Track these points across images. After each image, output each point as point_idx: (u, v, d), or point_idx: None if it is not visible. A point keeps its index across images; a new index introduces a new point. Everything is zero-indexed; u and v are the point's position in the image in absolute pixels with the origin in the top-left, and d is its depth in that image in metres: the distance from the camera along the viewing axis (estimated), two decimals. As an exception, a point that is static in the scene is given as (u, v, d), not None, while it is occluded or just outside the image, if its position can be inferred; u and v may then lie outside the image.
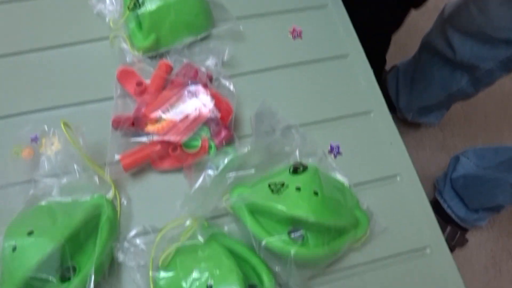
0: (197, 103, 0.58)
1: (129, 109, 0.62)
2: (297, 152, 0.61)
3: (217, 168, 0.54)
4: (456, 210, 1.31)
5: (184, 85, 0.60)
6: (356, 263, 0.57)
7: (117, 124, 0.58)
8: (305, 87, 0.68)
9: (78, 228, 0.50)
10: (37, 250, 0.46)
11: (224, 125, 0.60)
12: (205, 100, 0.59)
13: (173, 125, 0.57)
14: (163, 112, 0.58)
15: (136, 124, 0.57)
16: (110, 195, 0.57)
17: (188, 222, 0.51)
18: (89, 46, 0.67)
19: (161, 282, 0.49)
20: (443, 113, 1.42)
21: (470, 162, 1.29)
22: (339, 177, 0.61)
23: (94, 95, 0.64)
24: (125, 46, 0.64)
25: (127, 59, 0.64)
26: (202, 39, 0.68)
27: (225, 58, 0.65)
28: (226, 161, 0.54)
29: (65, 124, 0.53)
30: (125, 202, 0.57)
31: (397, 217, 0.60)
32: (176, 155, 0.57)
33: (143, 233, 0.55)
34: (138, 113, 0.58)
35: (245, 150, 0.56)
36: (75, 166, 0.56)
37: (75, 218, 0.51)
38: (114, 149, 0.58)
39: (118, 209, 0.56)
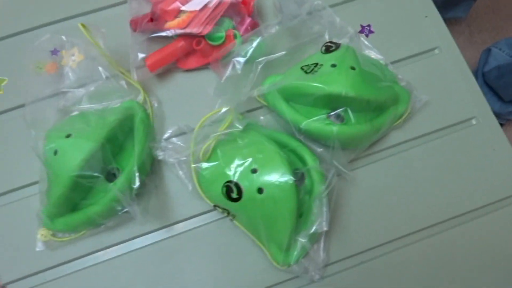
0: (215, -7, 0.54)
1: (145, 10, 0.58)
2: (326, 35, 0.57)
3: (245, 54, 0.51)
4: (491, 104, 1.26)
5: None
6: (399, 141, 0.55)
7: (135, 24, 0.55)
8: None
9: (114, 128, 0.49)
10: (78, 150, 0.46)
11: (247, 12, 0.56)
12: (223, -12, 0.55)
13: (194, 16, 0.53)
14: (182, 4, 0.54)
15: (155, 21, 0.54)
16: (140, 98, 0.55)
17: (224, 110, 0.49)
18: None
19: (204, 173, 0.49)
20: (470, 5, 1.33)
21: (502, 53, 1.23)
22: (374, 55, 0.57)
23: (106, 0, 0.60)
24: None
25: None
26: None
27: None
28: (254, 45, 0.51)
29: (84, 27, 0.50)
30: (155, 104, 0.56)
31: (439, 91, 0.57)
32: (201, 48, 0.54)
33: (179, 132, 0.54)
34: (156, 9, 0.55)
35: (272, 31, 0.52)
36: (102, 72, 0.54)
37: (109, 120, 0.50)
38: (137, 51, 0.55)
39: (150, 111, 0.55)
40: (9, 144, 0.55)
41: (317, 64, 0.51)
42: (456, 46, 0.59)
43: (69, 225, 0.48)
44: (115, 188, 0.46)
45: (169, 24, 0.54)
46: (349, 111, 0.50)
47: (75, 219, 0.48)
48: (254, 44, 0.51)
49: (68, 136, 0.47)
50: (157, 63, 0.54)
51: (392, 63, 0.57)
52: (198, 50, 0.55)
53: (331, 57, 0.51)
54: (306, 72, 0.51)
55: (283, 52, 0.52)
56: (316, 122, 0.49)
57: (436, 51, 0.59)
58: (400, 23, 0.60)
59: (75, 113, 0.54)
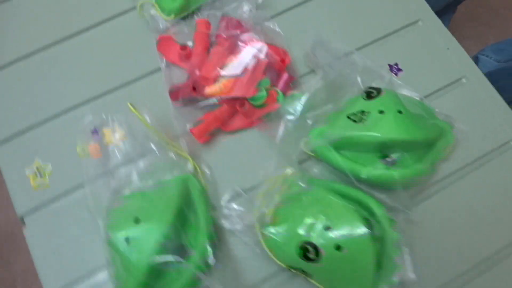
0: (252, 50, 0.55)
1: (179, 78, 0.59)
2: (358, 78, 0.59)
3: (295, 112, 0.52)
4: None
5: (231, 38, 0.57)
6: (449, 172, 0.56)
7: (175, 95, 0.56)
8: (345, 11, 0.65)
9: (179, 205, 0.48)
10: (151, 235, 0.45)
11: (282, 69, 0.57)
12: (259, 46, 0.56)
13: (235, 80, 0.54)
14: (221, 69, 0.55)
15: (196, 90, 0.55)
16: (189, 168, 0.55)
17: (289, 171, 0.49)
18: (118, 21, 0.63)
19: (273, 236, 0.49)
20: (450, 16, 1.39)
21: (490, 59, 1.28)
22: (408, 93, 0.59)
23: (139, 71, 0.60)
24: (155, 12, 0.60)
25: (160, 25, 0.60)
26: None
27: (260, 1, 0.62)
28: (302, 101, 0.52)
29: (132, 106, 0.51)
30: (207, 172, 0.55)
31: (475, 119, 0.59)
32: (245, 111, 0.55)
33: (236, 196, 0.54)
34: (194, 77, 0.55)
35: (317, 85, 0.53)
36: (148, 145, 0.54)
37: (171, 196, 0.49)
38: (183, 122, 0.55)
39: (203, 179, 0.55)
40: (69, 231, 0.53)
41: (363, 112, 0.52)
42: (481, 74, 0.61)
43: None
44: (193, 267, 0.46)
45: (211, 90, 0.55)
46: (402, 155, 0.52)
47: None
48: (303, 100, 0.52)
49: (136, 221, 0.46)
50: (203, 132, 0.55)
51: (425, 97, 0.59)
52: (241, 112, 0.55)
53: (376, 104, 0.52)
54: (355, 121, 0.52)
55: (329, 105, 0.53)
56: (376, 170, 0.50)
57: (464, 80, 0.61)
58: (425, 57, 0.62)
59: (129, 191, 0.53)
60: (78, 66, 0.61)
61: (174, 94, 0.56)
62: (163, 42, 0.60)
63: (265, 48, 0.56)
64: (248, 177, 0.55)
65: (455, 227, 0.54)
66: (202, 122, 0.55)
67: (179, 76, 0.59)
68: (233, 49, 0.57)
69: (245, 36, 0.56)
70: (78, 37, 0.62)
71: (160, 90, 0.59)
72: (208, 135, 0.56)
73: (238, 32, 0.58)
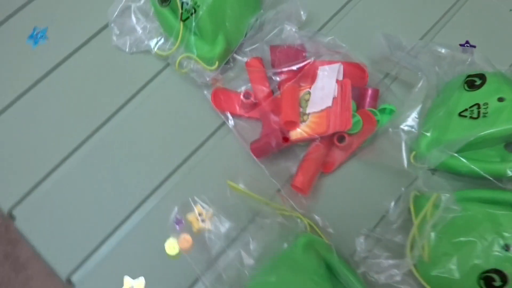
0: (332, 75, 0.48)
1: (249, 131, 0.51)
2: (436, 69, 0.52)
3: (396, 127, 0.45)
4: None
5: (297, 71, 0.49)
6: None
7: (260, 151, 0.48)
8: (393, 3, 0.59)
9: (324, 275, 0.40)
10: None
11: (364, 83, 0.50)
12: (335, 67, 0.48)
13: (326, 114, 0.47)
14: (304, 110, 0.48)
15: (288, 139, 0.47)
16: (302, 227, 0.47)
17: (445, 197, 0.42)
18: (156, 83, 0.54)
19: (445, 277, 0.42)
20: None
21: None
22: (495, 68, 0.53)
23: (201, 135, 0.52)
24: (196, 66, 0.52)
25: (207, 78, 0.52)
26: (263, 17, 0.55)
27: (303, 17, 0.54)
28: (414, 114, 0.45)
29: (231, 184, 0.42)
30: (319, 222, 0.47)
31: None
32: (345, 145, 0.47)
33: (371, 241, 0.46)
34: (277, 124, 0.47)
35: (415, 89, 0.47)
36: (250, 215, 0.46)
37: (310, 270, 0.41)
38: (278, 178, 0.47)
39: (324, 235, 0.47)
40: None
41: (478, 104, 0.46)
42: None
43: None
44: None
45: (298, 134, 0.47)
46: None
47: None
48: (414, 114, 0.45)
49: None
50: (307, 183, 0.47)
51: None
52: (340, 148, 0.48)
53: (488, 92, 0.46)
54: (473, 118, 0.46)
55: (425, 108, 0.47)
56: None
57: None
58: (491, 25, 0.57)
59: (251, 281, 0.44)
60: (131, 151, 0.51)
61: (257, 150, 0.48)
62: (218, 96, 0.51)
63: (341, 68, 0.48)
64: (370, 215, 0.48)
65: None
66: (302, 172, 0.47)
67: (247, 128, 0.51)
68: (304, 80, 0.49)
69: (315, 61, 0.49)
70: (125, 109, 0.53)
71: (234, 150, 0.50)
72: (312, 184, 0.48)
73: (301, 59, 0.50)
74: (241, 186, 0.45)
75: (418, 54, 0.52)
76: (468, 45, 0.56)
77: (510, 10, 0.58)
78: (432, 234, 0.42)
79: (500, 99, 0.45)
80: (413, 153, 0.48)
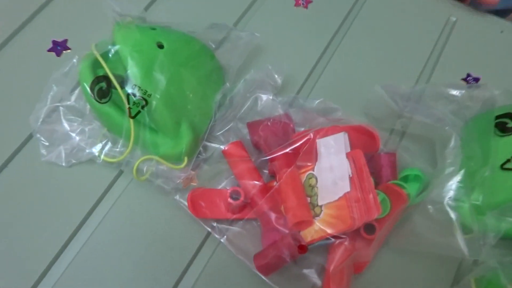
0: (340, 148, 0.37)
1: (250, 236, 0.39)
2: (449, 116, 0.43)
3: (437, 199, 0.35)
4: None
5: (293, 149, 0.38)
6: None
7: (269, 268, 0.36)
8: (377, 49, 0.50)
9: None
10: None
11: (376, 149, 0.40)
12: (340, 137, 0.38)
13: (347, 203, 0.35)
14: (314, 200, 0.36)
15: (304, 248, 0.35)
16: None
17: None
18: (110, 201, 0.41)
19: None
20: None
21: None
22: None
23: (183, 257, 0.39)
24: (158, 168, 0.40)
25: (176, 181, 0.40)
26: (231, 90, 0.45)
27: (279, 81, 0.44)
28: (453, 181, 0.35)
29: None
30: None
31: None
32: (377, 234, 0.36)
33: None
34: (282, 226, 0.36)
35: (449, 149, 0.37)
36: None
37: None
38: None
39: None
40: None
41: (518, 152, 0.37)
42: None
43: None
44: None
45: (314, 234, 0.36)
46: None
47: None
48: (455, 182, 0.35)
49: None
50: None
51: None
52: (372, 239, 0.37)
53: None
54: (517, 169, 0.37)
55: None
56: None
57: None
58: (489, 51, 0.50)
59: None
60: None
61: (266, 268, 0.36)
62: (196, 201, 0.39)
63: (347, 137, 0.38)
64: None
65: None
66: (332, 280, 0.35)
67: (243, 235, 0.39)
68: (306, 159, 0.38)
69: (313, 134, 0.38)
70: (70, 247, 0.39)
71: (231, 269, 0.38)
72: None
73: (290, 133, 0.40)
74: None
75: (423, 100, 0.43)
76: (471, 78, 0.48)
77: (501, 31, 0.51)
78: None
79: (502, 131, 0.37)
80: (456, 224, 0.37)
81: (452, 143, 0.36)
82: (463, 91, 0.42)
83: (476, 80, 0.48)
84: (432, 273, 0.38)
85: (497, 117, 0.40)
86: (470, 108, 0.42)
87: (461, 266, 0.39)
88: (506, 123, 0.39)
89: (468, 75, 0.48)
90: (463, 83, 0.47)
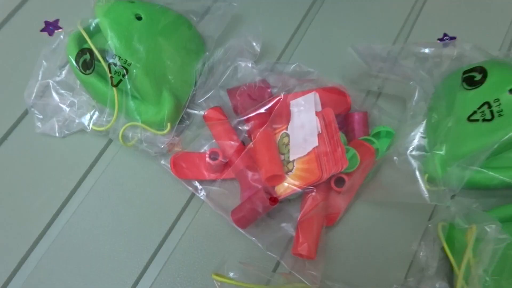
0: (310, 107, 0.39)
1: (230, 195, 0.41)
2: (421, 72, 0.45)
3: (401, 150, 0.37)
4: None
5: (267, 112, 0.41)
6: None
7: (245, 221, 0.38)
8: (351, 14, 0.51)
9: None
10: None
11: (347, 108, 0.42)
12: (310, 97, 0.40)
13: (315, 156, 0.37)
14: (287, 157, 0.38)
15: (276, 199, 0.37)
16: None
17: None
18: (102, 166, 0.44)
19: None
20: None
21: None
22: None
23: (169, 216, 0.42)
24: (143, 134, 0.42)
25: (160, 146, 0.42)
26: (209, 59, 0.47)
27: (257, 49, 0.46)
28: (415, 132, 0.37)
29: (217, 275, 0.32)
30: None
31: None
32: (348, 185, 0.38)
33: None
34: (258, 183, 0.38)
35: (412, 103, 0.38)
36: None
37: None
38: (277, 251, 0.37)
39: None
40: None
41: (487, 103, 0.38)
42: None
43: None
44: None
45: (285, 188, 0.38)
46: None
47: None
48: (419, 133, 0.37)
49: None
50: (313, 247, 0.37)
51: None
52: (341, 192, 0.39)
53: (494, 85, 0.39)
54: (486, 119, 0.38)
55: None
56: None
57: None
58: (466, 9, 0.51)
59: None
60: (91, 251, 0.40)
61: (242, 220, 0.38)
62: (179, 163, 0.42)
63: (317, 96, 0.40)
64: (396, 264, 0.38)
65: None
66: (302, 235, 0.37)
67: (223, 194, 0.41)
68: (277, 121, 0.40)
69: (283, 96, 0.40)
70: (66, 209, 0.42)
71: (213, 226, 0.40)
72: (317, 245, 0.38)
73: (266, 96, 0.42)
74: (230, 275, 0.35)
75: (398, 60, 0.45)
76: (447, 38, 0.49)
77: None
78: (487, 279, 0.33)
79: (511, 90, 0.38)
80: (426, 176, 0.39)
81: (416, 96, 0.38)
82: (434, 49, 0.44)
83: (452, 39, 0.49)
84: (404, 223, 0.40)
85: (465, 72, 0.41)
86: (440, 65, 0.43)
87: (433, 215, 0.40)
88: (474, 77, 0.40)
89: (445, 35, 0.49)
90: (439, 42, 0.48)
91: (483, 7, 0.51)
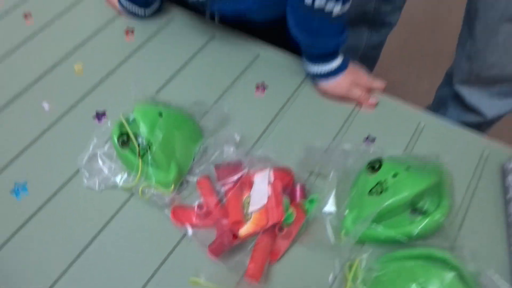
0: (264, 179, 0.60)
1: (206, 237, 0.60)
2: (349, 161, 0.66)
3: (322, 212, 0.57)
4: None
5: (237, 181, 0.62)
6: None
7: (217, 251, 0.57)
8: (301, 122, 0.74)
9: None
10: None
11: (291, 182, 0.62)
12: (266, 173, 0.61)
13: (265, 210, 0.58)
14: (247, 210, 0.59)
15: (236, 236, 0.57)
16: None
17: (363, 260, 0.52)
18: (124, 212, 0.64)
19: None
20: None
21: None
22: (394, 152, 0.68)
23: (166, 247, 0.61)
24: (155, 191, 0.63)
25: (166, 200, 0.63)
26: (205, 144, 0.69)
27: (237, 139, 0.68)
28: (327, 198, 0.57)
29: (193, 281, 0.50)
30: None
31: (451, 151, 0.69)
32: (284, 233, 0.58)
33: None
34: (227, 226, 0.58)
35: (329, 180, 0.59)
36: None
37: None
38: (236, 273, 0.56)
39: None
40: None
41: (380, 182, 0.59)
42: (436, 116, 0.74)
43: None
44: None
45: (246, 231, 0.57)
46: (425, 201, 0.59)
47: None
48: (330, 198, 0.57)
49: None
50: (258, 271, 0.56)
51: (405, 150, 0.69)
52: (281, 237, 0.58)
53: (385, 171, 0.59)
54: (378, 194, 0.58)
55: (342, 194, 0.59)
56: (419, 222, 0.56)
57: (422, 124, 0.72)
58: (385, 120, 0.73)
59: None
60: (109, 274, 0.59)
61: (215, 250, 0.57)
62: (176, 212, 0.62)
63: (271, 172, 0.61)
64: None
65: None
66: (252, 260, 0.56)
67: (205, 235, 0.61)
68: (244, 187, 0.61)
69: (250, 171, 0.61)
70: (91, 246, 0.61)
71: (196, 255, 0.59)
72: (263, 271, 0.56)
73: (240, 170, 0.63)
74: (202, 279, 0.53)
75: (331, 153, 0.66)
76: (368, 139, 0.71)
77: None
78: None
79: (395, 175, 0.58)
80: (343, 230, 0.59)
81: (331, 176, 0.59)
82: (355, 146, 0.65)
83: (373, 140, 0.70)
84: (324, 261, 0.58)
85: (369, 162, 0.62)
86: (359, 158, 0.65)
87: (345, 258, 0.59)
88: (375, 166, 0.61)
89: (367, 137, 0.71)
90: (362, 142, 0.70)
91: (397, 117, 0.73)
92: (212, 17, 0.85)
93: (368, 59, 1.37)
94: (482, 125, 1.14)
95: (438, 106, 1.23)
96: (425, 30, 1.85)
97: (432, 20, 1.87)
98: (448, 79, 1.15)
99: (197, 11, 0.87)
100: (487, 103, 1.06)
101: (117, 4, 0.87)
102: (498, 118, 1.12)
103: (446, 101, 1.17)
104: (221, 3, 0.78)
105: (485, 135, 0.73)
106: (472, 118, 1.11)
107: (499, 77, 0.98)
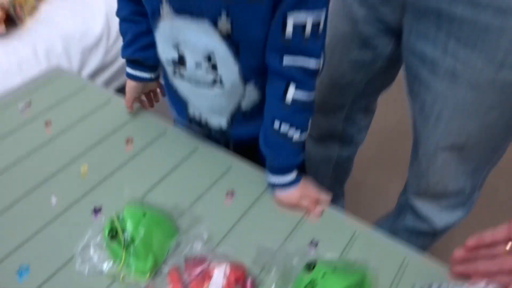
0: (221, 272, 0.75)
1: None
2: (293, 263, 0.82)
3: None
4: None
5: (201, 271, 0.77)
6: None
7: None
8: (255, 224, 0.91)
9: None
10: None
11: (243, 277, 0.78)
12: (223, 267, 0.76)
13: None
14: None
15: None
16: None
17: None
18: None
19: None
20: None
21: None
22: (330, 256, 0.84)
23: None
24: (133, 278, 0.78)
25: (142, 286, 0.77)
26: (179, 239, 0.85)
27: (205, 237, 0.85)
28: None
29: None
30: None
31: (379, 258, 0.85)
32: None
33: None
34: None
35: (271, 274, 0.75)
36: None
37: None
38: None
39: None
40: None
41: (312, 281, 0.74)
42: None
43: None
44: None
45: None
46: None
47: None
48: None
49: None
50: None
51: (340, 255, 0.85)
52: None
53: (317, 271, 0.75)
54: (312, 290, 0.73)
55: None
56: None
57: (357, 232, 0.89)
58: (327, 231, 0.90)
59: None
60: None
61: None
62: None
63: (227, 267, 0.76)
64: None
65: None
66: None
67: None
68: (206, 279, 0.76)
69: (211, 265, 0.77)
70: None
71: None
72: None
73: (203, 264, 0.78)
74: None
75: (280, 253, 0.82)
76: (314, 242, 0.87)
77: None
78: None
79: (323, 275, 0.74)
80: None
81: (272, 272, 0.74)
82: (301, 248, 0.82)
83: (316, 244, 0.86)
84: None
85: (307, 263, 0.78)
86: (304, 259, 0.80)
87: None
88: (310, 266, 0.77)
89: (311, 241, 0.87)
90: (307, 245, 0.86)
91: (337, 226, 0.90)
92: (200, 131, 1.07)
93: (342, 169, 1.56)
94: (436, 234, 1.30)
95: (399, 212, 1.39)
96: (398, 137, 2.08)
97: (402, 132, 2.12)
98: (406, 188, 1.32)
99: (188, 126, 1.09)
100: (437, 215, 1.23)
101: (130, 101, 1.08)
102: (448, 228, 1.28)
103: (405, 208, 1.33)
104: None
105: (413, 246, 0.88)
106: (425, 227, 1.27)
107: (444, 193, 1.15)
